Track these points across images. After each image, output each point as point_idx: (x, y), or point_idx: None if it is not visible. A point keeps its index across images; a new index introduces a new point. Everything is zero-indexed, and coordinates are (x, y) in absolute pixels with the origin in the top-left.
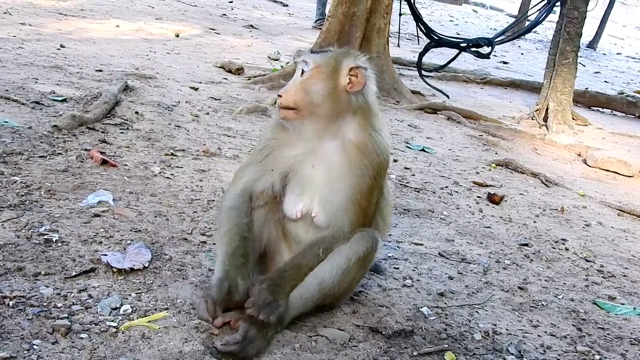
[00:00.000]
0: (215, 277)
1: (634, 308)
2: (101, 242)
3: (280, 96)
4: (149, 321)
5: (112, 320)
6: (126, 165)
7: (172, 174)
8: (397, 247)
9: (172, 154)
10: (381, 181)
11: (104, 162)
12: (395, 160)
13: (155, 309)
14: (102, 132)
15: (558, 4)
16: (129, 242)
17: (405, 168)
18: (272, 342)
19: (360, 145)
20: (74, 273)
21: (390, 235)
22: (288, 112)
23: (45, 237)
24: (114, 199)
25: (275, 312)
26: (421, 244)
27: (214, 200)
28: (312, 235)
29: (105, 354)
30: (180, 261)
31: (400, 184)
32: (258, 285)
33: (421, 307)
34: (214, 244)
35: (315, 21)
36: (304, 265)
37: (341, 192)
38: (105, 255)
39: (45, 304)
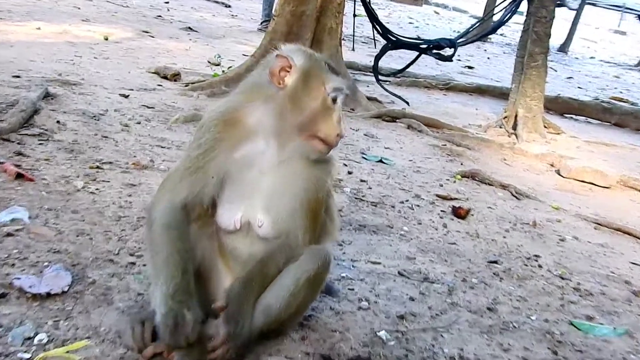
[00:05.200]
0: (160, 312)
1: (614, 328)
2: (14, 265)
3: (345, 135)
4: (67, 351)
5: (25, 351)
6: (45, 179)
7: (97, 189)
8: (352, 266)
9: (97, 167)
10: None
11: (19, 176)
12: (349, 173)
13: (75, 338)
14: (18, 143)
15: (524, 2)
16: (46, 264)
17: (361, 181)
18: None
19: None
20: None
21: (344, 253)
22: None
23: None
24: (29, 217)
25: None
26: (379, 263)
27: (144, 218)
28: (257, 248)
29: None
30: (105, 285)
31: (356, 198)
32: (221, 326)
33: (379, 332)
34: (145, 265)
35: (261, 23)
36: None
37: (291, 195)
38: (19, 278)
39: None
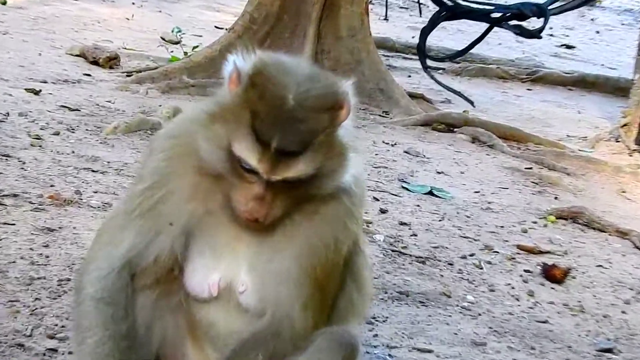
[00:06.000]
0: None
1: None
2: None
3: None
4: None
5: None
6: None
7: None
8: (389, 355)
9: None
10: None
11: None
12: (383, 211)
13: None
14: None
15: None
16: None
17: (401, 223)
18: None
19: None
20: None
21: (375, 336)
22: None
23: None
24: None
25: None
26: (430, 351)
27: (69, 280)
28: (240, 324)
29: None
30: None
31: (393, 251)
32: None
33: None
34: (71, 352)
35: None
36: None
37: (288, 256)
38: None
39: None
